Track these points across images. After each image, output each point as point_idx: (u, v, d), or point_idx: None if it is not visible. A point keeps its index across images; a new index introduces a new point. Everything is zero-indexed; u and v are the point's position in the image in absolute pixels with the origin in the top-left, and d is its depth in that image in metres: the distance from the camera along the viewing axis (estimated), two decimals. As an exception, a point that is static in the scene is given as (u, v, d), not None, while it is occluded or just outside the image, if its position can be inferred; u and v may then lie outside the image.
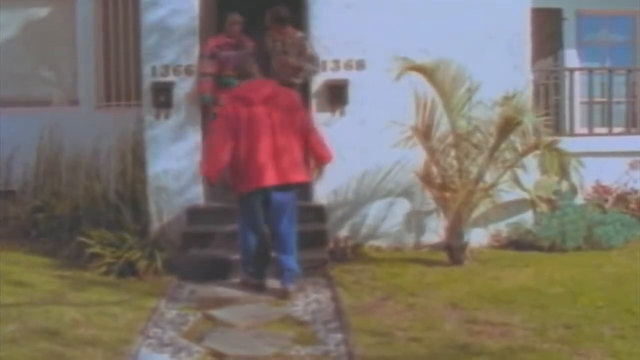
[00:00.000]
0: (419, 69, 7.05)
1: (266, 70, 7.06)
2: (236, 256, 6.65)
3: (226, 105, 6.51)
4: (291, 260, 6.33)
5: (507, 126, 6.99)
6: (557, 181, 7.88)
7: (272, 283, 6.37)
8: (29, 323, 5.27)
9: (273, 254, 6.44)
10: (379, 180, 7.69)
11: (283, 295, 6.16)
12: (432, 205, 7.58)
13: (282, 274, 6.29)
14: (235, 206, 6.51)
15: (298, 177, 6.31)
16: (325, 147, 6.55)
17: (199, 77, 7.62)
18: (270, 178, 6.17)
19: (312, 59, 7.48)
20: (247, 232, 6.38)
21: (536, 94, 8.70)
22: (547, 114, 7.71)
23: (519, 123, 6.94)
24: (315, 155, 6.51)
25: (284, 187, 6.24)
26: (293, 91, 6.81)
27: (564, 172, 7.18)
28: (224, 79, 7.66)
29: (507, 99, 7.07)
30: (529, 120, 6.95)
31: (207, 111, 7.63)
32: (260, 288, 6.36)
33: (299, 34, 7.61)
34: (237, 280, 6.56)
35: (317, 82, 7.66)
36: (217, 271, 6.73)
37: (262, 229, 6.37)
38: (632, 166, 8.75)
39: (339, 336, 5.15)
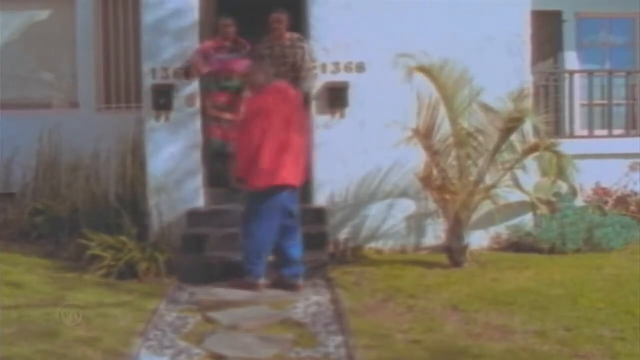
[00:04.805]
0: (425, 69, 7.06)
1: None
2: (237, 258, 6.65)
3: (255, 101, 6.54)
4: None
5: (510, 127, 6.99)
6: (552, 182, 7.90)
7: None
8: (29, 325, 5.27)
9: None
10: (380, 182, 7.69)
11: (294, 289, 6.37)
12: (432, 207, 7.58)
13: (294, 268, 6.46)
14: (249, 204, 6.49)
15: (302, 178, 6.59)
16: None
17: (190, 63, 7.55)
18: (294, 177, 6.41)
19: (309, 71, 7.51)
20: (267, 229, 6.39)
21: (536, 96, 8.71)
22: (547, 117, 7.70)
23: (521, 123, 6.95)
24: None
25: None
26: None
27: (561, 174, 7.19)
28: (222, 82, 7.67)
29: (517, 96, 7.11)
30: (532, 121, 6.96)
31: (188, 77, 7.62)
32: (260, 287, 6.40)
33: (296, 35, 7.62)
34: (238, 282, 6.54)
35: (317, 84, 7.66)
36: (217, 273, 6.72)
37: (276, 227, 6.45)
38: (632, 168, 8.77)
39: (339, 338, 5.14)
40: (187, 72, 7.59)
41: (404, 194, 7.70)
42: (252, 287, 6.39)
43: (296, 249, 6.50)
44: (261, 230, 6.38)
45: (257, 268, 6.44)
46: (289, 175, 6.38)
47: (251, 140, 6.32)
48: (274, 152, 6.30)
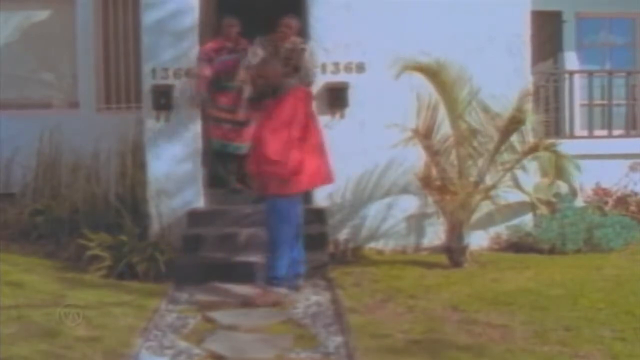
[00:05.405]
0: (422, 69, 7.06)
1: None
2: (237, 259, 6.63)
3: (287, 103, 6.17)
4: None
5: (510, 127, 6.99)
6: (550, 182, 7.91)
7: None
8: (29, 325, 5.27)
9: None
10: (379, 179, 7.69)
11: (295, 289, 6.27)
12: (432, 207, 7.58)
13: (296, 268, 6.32)
14: (279, 208, 6.10)
15: None
16: None
17: (197, 79, 7.55)
18: (328, 176, 6.42)
19: (307, 74, 7.49)
20: (290, 235, 6.17)
21: (536, 96, 8.72)
22: (547, 117, 7.71)
23: (522, 123, 6.96)
24: None
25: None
26: None
27: (560, 174, 7.19)
28: (223, 82, 7.67)
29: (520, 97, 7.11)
30: (532, 121, 6.97)
31: (205, 112, 7.65)
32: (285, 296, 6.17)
33: (299, 39, 7.62)
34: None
35: (317, 84, 7.66)
36: (217, 273, 6.73)
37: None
38: (632, 168, 8.76)
39: (339, 338, 5.14)
40: (203, 106, 7.59)
41: (404, 190, 7.69)
42: (282, 297, 6.09)
43: (300, 249, 6.48)
44: (289, 234, 6.15)
45: (285, 275, 6.19)
46: (325, 174, 6.36)
47: (293, 143, 6.02)
48: (313, 153, 6.18)
